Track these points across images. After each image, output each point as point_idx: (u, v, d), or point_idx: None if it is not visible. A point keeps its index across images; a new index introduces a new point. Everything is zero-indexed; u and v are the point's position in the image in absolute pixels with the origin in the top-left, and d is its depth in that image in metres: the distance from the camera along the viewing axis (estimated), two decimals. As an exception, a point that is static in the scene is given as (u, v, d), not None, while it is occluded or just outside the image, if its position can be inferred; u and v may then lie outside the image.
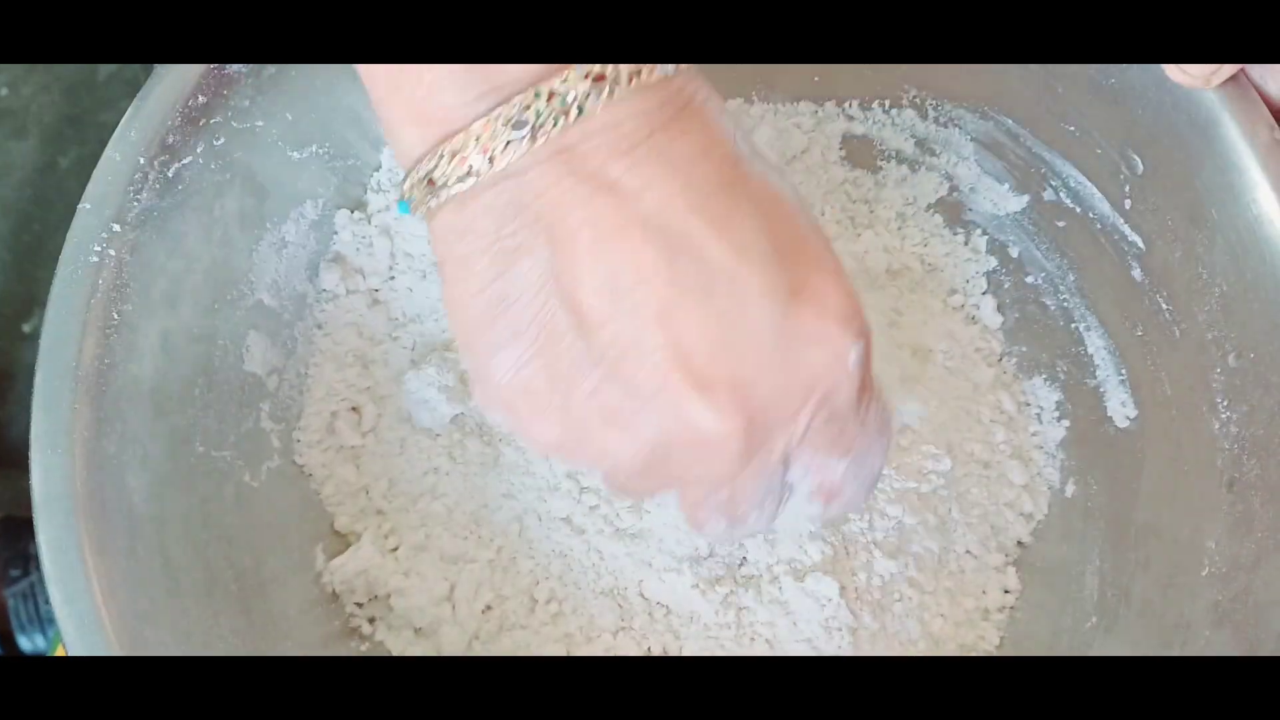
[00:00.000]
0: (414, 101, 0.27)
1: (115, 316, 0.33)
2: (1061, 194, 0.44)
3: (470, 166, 0.27)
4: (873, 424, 0.31)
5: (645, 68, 0.27)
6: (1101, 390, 0.44)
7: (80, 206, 0.34)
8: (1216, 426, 0.39)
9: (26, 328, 1.19)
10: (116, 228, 0.34)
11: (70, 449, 0.31)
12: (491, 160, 0.26)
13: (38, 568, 0.87)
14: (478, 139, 0.27)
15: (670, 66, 0.27)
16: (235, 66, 0.36)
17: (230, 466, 0.38)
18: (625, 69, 0.27)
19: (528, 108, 0.26)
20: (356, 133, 0.42)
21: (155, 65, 0.58)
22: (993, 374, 0.46)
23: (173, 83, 0.35)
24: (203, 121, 0.36)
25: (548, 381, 0.28)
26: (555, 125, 0.26)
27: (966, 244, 0.47)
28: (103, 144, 1.07)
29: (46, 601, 0.85)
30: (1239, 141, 0.37)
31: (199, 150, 0.36)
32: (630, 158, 0.27)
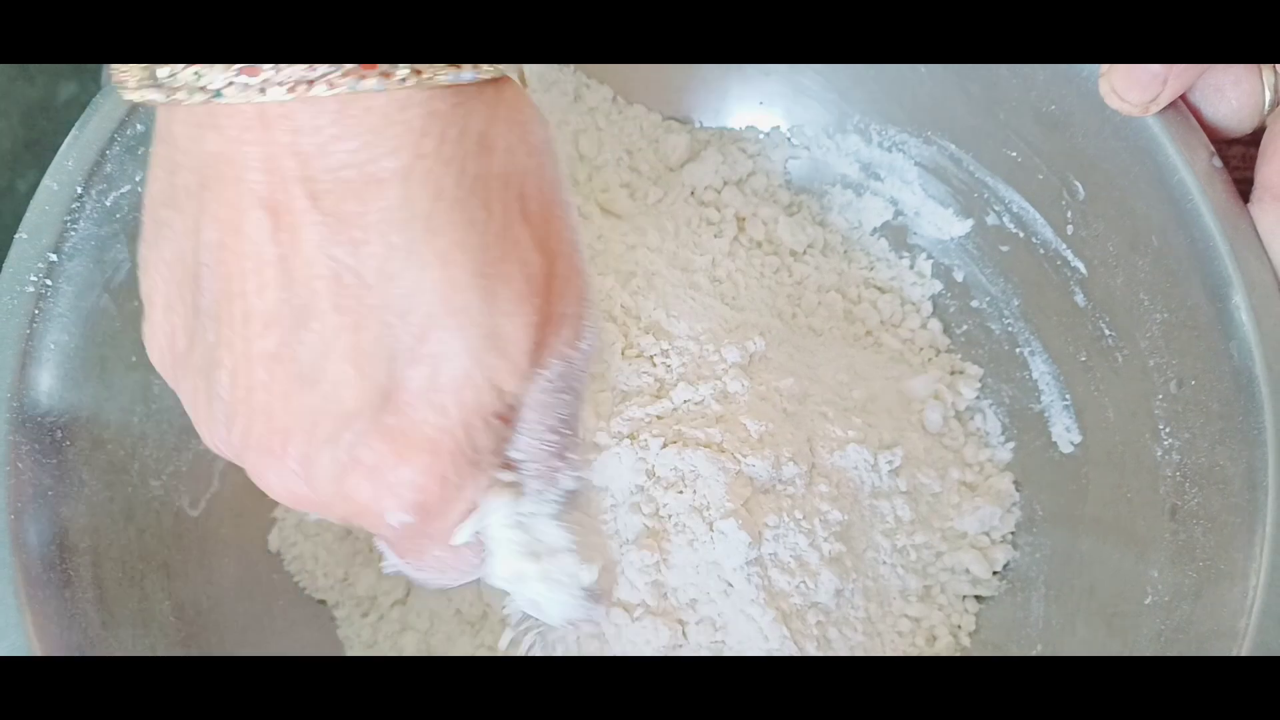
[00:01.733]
0: None
1: (52, 346, 0.33)
2: (1005, 219, 0.44)
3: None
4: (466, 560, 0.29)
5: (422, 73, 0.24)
6: (1046, 415, 0.44)
7: (17, 236, 0.33)
8: (1159, 454, 0.39)
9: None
10: (53, 257, 0.33)
11: (4, 482, 0.31)
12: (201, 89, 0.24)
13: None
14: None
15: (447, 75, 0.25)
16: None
17: (169, 496, 0.37)
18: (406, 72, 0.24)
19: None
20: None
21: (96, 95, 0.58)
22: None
23: (109, 111, 0.35)
24: (141, 150, 0.35)
25: (176, 315, 0.27)
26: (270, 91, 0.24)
27: (912, 268, 0.47)
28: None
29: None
30: (1179, 168, 0.37)
31: (137, 179, 0.36)
32: (320, 175, 0.24)
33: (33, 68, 1.35)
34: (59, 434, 0.33)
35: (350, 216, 0.24)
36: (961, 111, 0.43)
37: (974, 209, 0.45)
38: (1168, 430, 0.39)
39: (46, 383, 0.33)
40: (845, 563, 0.40)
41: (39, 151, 1.35)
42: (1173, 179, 0.37)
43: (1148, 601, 0.37)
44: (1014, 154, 0.42)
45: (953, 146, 0.44)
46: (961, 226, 0.46)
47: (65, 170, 0.34)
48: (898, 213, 0.47)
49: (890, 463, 0.42)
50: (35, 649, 0.30)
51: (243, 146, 0.24)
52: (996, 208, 0.44)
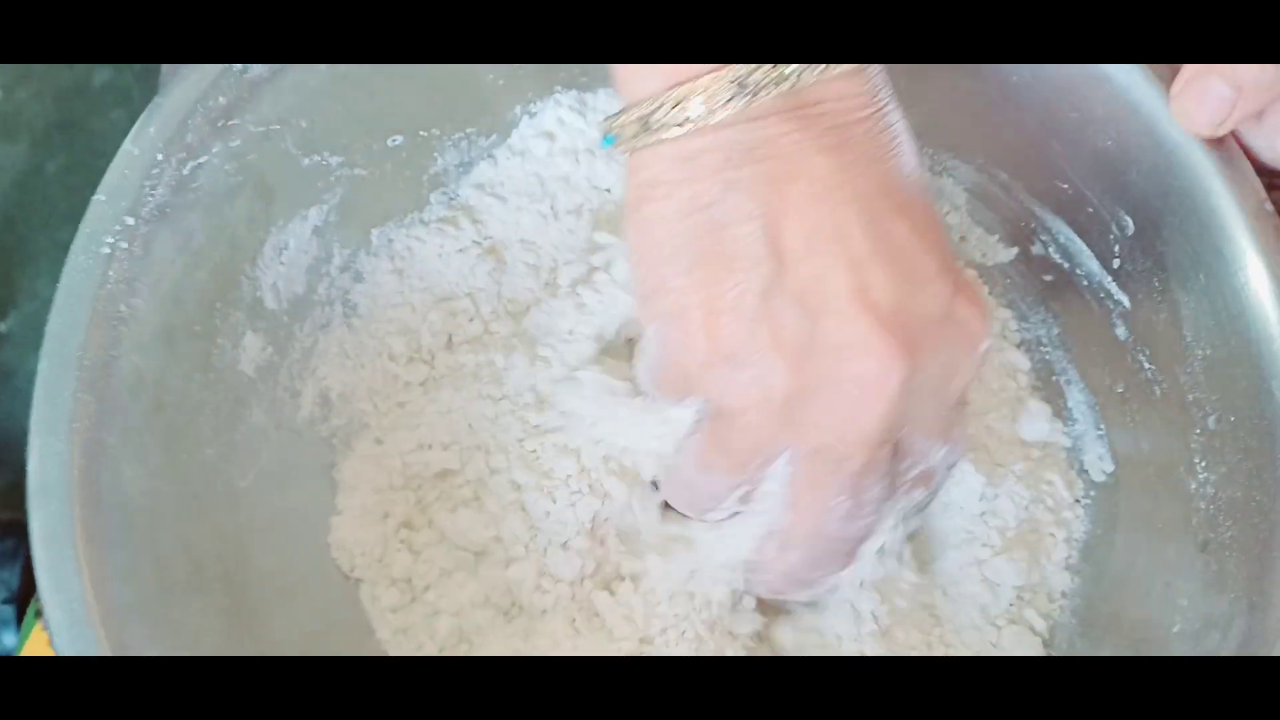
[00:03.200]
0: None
1: (123, 309, 0.34)
2: (1050, 249, 0.45)
3: (688, 116, 0.31)
4: (961, 415, 0.36)
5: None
6: (1080, 444, 0.45)
7: (95, 198, 0.34)
8: (1193, 486, 0.40)
9: (3, 327, 1.18)
10: (130, 220, 0.34)
11: (69, 437, 0.31)
12: (712, 112, 0.31)
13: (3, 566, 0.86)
14: (704, 91, 0.31)
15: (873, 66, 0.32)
16: (257, 69, 0.37)
17: (221, 465, 0.38)
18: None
19: (751, 73, 0.31)
20: (365, 142, 0.42)
21: (166, 67, 0.58)
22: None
23: (195, 82, 0.36)
24: (221, 123, 0.36)
25: (730, 298, 0.32)
26: (774, 89, 0.31)
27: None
28: (92, 151, 1.07)
29: (4, 600, 0.84)
30: (1229, 209, 0.38)
31: (215, 151, 0.36)
32: (847, 132, 0.31)
33: (69, 48, 1.35)
34: (124, 396, 0.34)
35: (876, 143, 0.32)
36: (1016, 141, 0.44)
37: (1020, 237, 0.46)
38: (1203, 464, 0.39)
39: (114, 344, 0.34)
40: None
41: (71, 134, 1.36)
42: (1222, 221, 0.38)
43: (1176, 630, 0.38)
44: (1065, 186, 0.43)
45: (1004, 175, 0.45)
46: (1006, 254, 0.47)
47: (147, 136, 0.35)
48: (944, 235, 0.48)
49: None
50: (92, 606, 0.30)
51: (790, 122, 0.31)
52: (1043, 237, 0.45)
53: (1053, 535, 0.44)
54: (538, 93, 0.45)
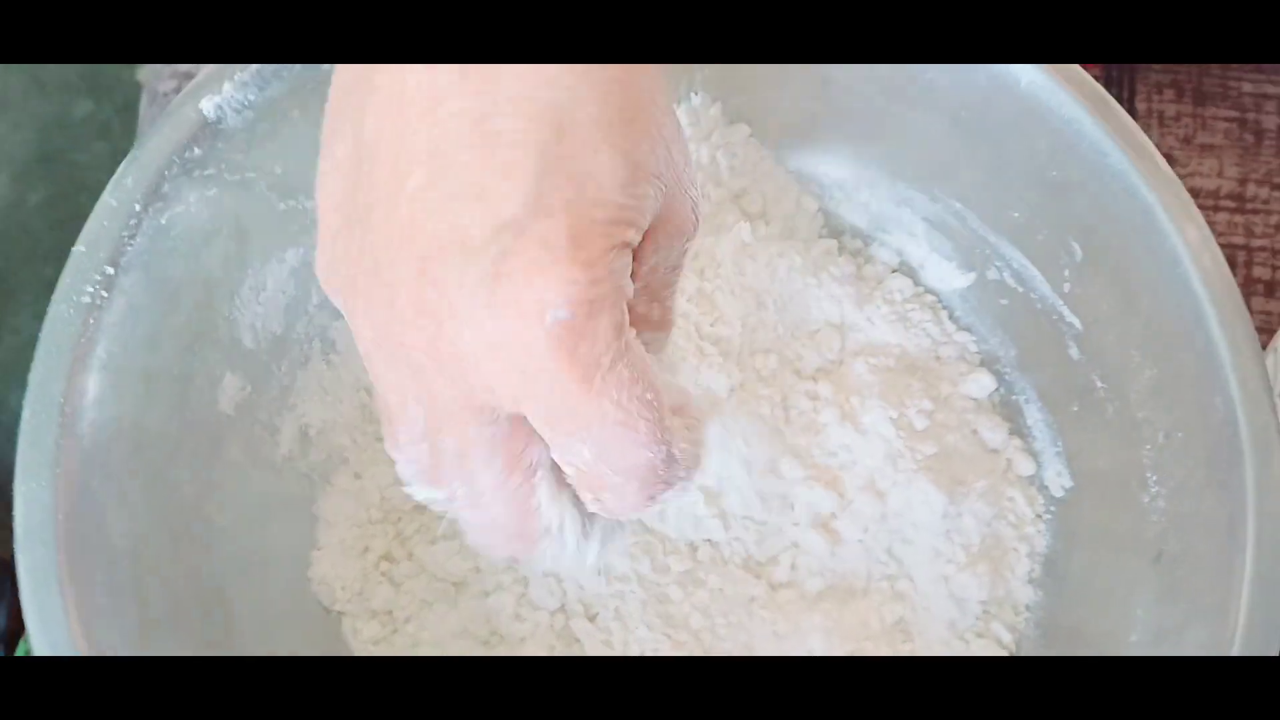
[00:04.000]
0: None
1: (102, 355, 0.35)
2: (1005, 274, 0.46)
3: None
4: (613, 411, 0.27)
5: None
6: (1040, 460, 0.46)
7: (75, 249, 0.35)
8: (1146, 500, 0.41)
9: (-15, 360, 1.18)
10: (109, 270, 0.35)
11: (53, 482, 0.33)
12: None
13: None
14: None
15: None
16: (230, 120, 0.38)
17: (200, 503, 0.39)
18: None
19: None
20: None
21: (141, 114, 0.59)
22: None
23: (169, 134, 0.37)
24: (197, 173, 0.37)
25: (334, 204, 0.29)
26: None
27: (915, 315, 0.49)
28: (73, 183, 1.08)
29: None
30: (1171, 233, 0.39)
31: (191, 200, 0.38)
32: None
33: (50, 85, 1.37)
34: (105, 440, 0.35)
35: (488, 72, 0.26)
36: (969, 172, 0.45)
37: (976, 263, 0.47)
38: (1155, 478, 0.41)
39: (95, 390, 0.35)
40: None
41: (52, 166, 1.37)
42: (1165, 245, 0.39)
43: (1133, 639, 0.39)
44: (1016, 214, 0.44)
45: (958, 205, 0.47)
46: (964, 279, 0.48)
47: (124, 188, 0.36)
48: (903, 263, 0.49)
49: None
50: (78, 645, 0.31)
51: None
52: (998, 263, 0.46)
53: (1015, 550, 0.46)
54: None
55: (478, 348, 0.26)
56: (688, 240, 0.30)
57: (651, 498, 0.30)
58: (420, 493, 0.31)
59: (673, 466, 0.29)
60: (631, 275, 0.28)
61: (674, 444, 0.29)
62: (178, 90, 0.55)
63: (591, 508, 0.30)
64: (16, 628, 0.85)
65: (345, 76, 0.29)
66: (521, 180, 0.26)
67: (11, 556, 0.87)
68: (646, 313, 0.31)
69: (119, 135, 1.26)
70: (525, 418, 0.28)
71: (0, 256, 1.20)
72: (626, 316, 0.28)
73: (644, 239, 0.29)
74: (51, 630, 0.31)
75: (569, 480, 0.30)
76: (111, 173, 0.37)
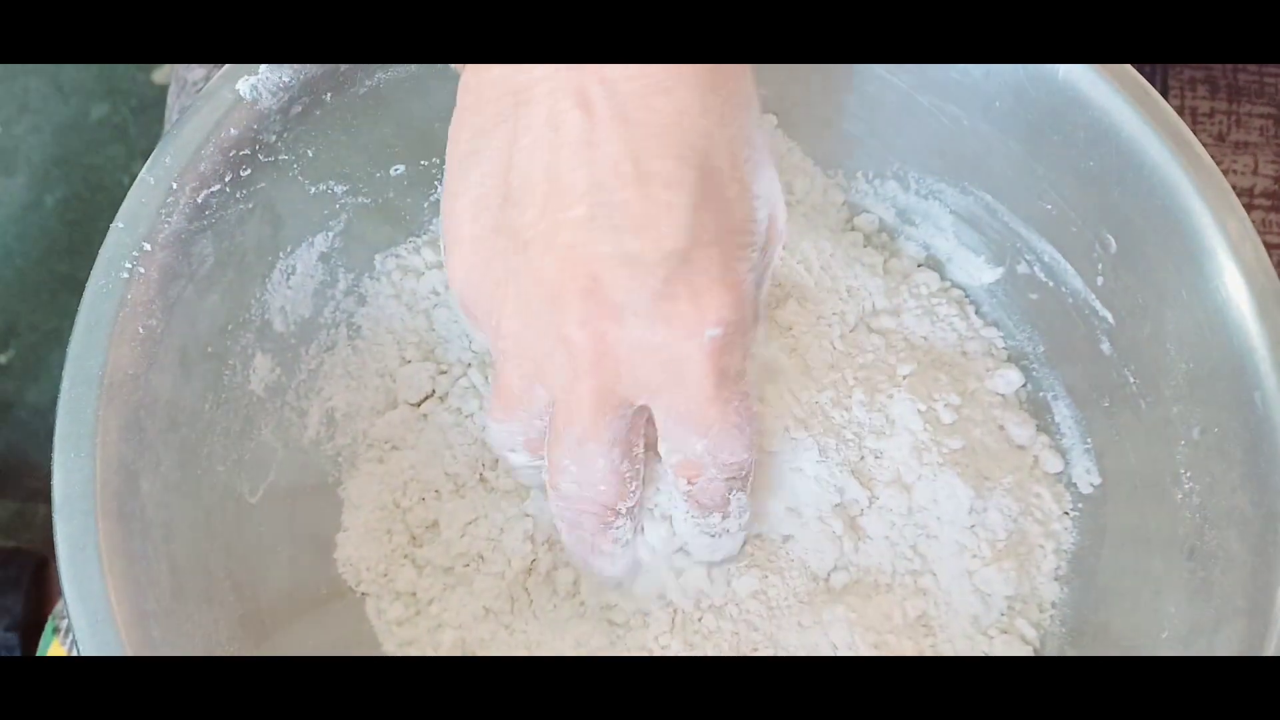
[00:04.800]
0: None
1: (140, 330, 0.35)
2: (1035, 268, 0.46)
3: None
4: (734, 417, 0.34)
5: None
6: (1068, 457, 0.46)
7: (114, 225, 0.35)
8: (1179, 497, 0.40)
9: (3, 359, 1.20)
10: (147, 246, 0.35)
11: (92, 452, 0.33)
12: None
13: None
14: None
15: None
16: (266, 101, 0.38)
17: (231, 481, 0.39)
18: None
19: None
20: (368, 171, 0.44)
21: (170, 103, 0.60)
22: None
23: (208, 114, 0.37)
24: (233, 153, 0.37)
25: (481, 231, 0.32)
26: None
27: (942, 311, 0.49)
28: (89, 185, 1.09)
29: (7, 628, 0.85)
30: (1210, 227, 0.39)
31: (227, 179, 0.38)
32: (612, 88, 0.30)
33: (68, 88, 1.38)
34: (141, 413, 0.35)
35: (649, 105, 0.30)
36: (1001, 165, 0.45)
37: (1005, 257, 0.47)
38: (1188, 475, 0.40)
39: (133, 364, 0.35)
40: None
41: (69, 168, 1.37)
42: (1203, 238, 0.39)
43: (1164, 635, 0.39)
44: (1049, 207, 0.44)
45: (989, 197, 0.46)
46: (992, 274, 0.48)
47: (163, 165, 0.36)
48: (930, 257, 0.49)
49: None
50: (115, 612, 0.31)
51: (556, 71, 0.30)
52: (1028, 257, 0.46)
53: (1042, 547, 0.45)
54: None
55: (636, 352, 0.31)
56: (778, 248, 0.35)
57: (732, 493, 0.36)
58: (515, 457, 0.37)
59: (750, 476, 0.36)
60: None
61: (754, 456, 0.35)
62: (207, 79, 0.56)
63: (679, 490, 0.36)
64: (38, 619, 0.85)
65: (480, 117, 0.32)
66: (681, 216, 0.30)
67: (29, 547, 0.87)
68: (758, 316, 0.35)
69: (135, 137, 1.26)
70: (643, 416, 0.34)
71: (18, 255, 1.21)
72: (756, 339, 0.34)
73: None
74: (88, 597, 0.31)
75: (668, 466, 0.35)
76: (127, 173, 0.38)
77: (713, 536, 0.39)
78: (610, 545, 0.38)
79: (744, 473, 0.36)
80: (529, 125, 0.30)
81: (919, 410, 0.45)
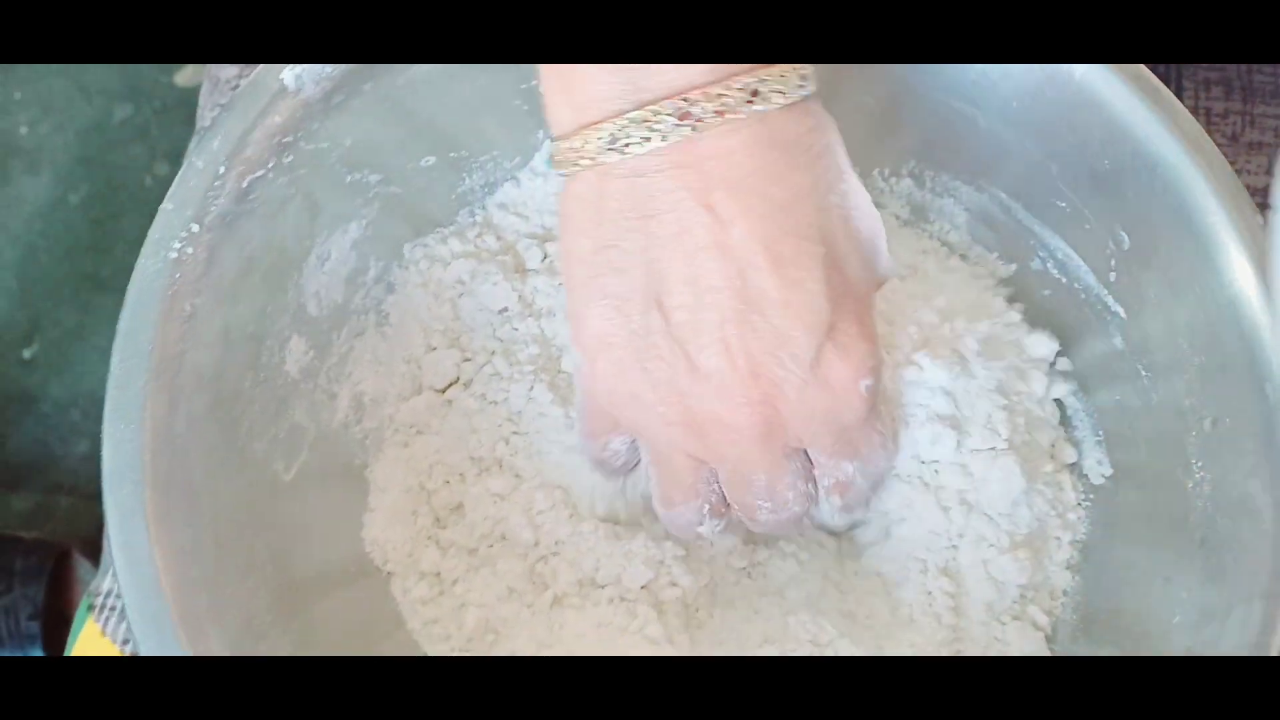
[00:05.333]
0: (570, 87, 0.34)
1: (187, 308, 0.36)
2: (1049, 264, 0.47)
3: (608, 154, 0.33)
4: (878, 436, 0.39)
5: (759, 100, 0.33)
6: (1080, 449, 0.47)
7: (162, 207, 0.37)
8: (1190, 486, 0.41)
9: (27, 354, 1.21)
10: (195, 227, 0.37)
11: (141, 423, 0.34)
12: (622, 152, 0.33)
13: (20, 584, 0.89)
14: (612, 133, 0.33)
15: (783, 98, 0.33)
16: (309, 90, 0.39)
17: (268, 458, 0.40)
18: (742, 100, 0.33)
19: (658, 114, 0.33)
20: (401, 162, 0.45)
21: (201, 101, 0.61)
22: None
23: (253, 101, 0.38)
24: (277, 140, 0.39)
25: (625, 336, 0.35)
26: (671, 138, 0.33)
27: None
28: (111, 184, 1.11)
29: (29, 617, 0.86)
30: (1222, 225, 0.40)
31: (270, 165, 0.39)
32: (732, 188, 0.33)
33: (91, 89, 1.40)
34: (188, 388, 0.36)
35: (767, 195, 0.33)
36: (1016, 164, 0.46)
37: (1019, 254, 0.48)
38: (1200, 465, 0.41)
39: (180, 341, 0.36)
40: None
41: (92, 168, 1.39)
42: (1216, 236, 0.40)
43: (1176, 620, 0.40)
44: (1063, 204, 0.45)
45: (1004, 195, 0.47)
46: (1005, 270, 0.49)
47: (210, 150, 0.37)
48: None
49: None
50: (163, 581, 0.32)
51: (676, 179, 0.33)
52: (1041, 254, 0.47)
53: (1058, 538, 0.46)
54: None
55: (798, 416, 0.35)
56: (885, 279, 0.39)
57: (869, 499, 0.42)
58: (705, 529, 0.40)
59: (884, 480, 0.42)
60: None
61: None
62: (240, 77, 0.57)
63: (828, 506, 0.40)
64: (60, 609, 0.86)
65: (604, 229, 0.34)
66: (817, 290, 0.34)
67: (52, 539, 0.88)
68: None
69: (156, 138, 1.28)
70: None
71: (43, 252, 1.22)
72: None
73: None
74: (137, 565, 0.32)
75: (821, 488, 0.40)
76: (149, 174, 0.39)
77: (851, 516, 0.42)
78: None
79: (884, 476, 0.41)
80: (659, 235, 0.33)
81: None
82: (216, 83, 0.60)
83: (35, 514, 0.97)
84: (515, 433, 0.46)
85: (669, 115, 0.32)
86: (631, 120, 0.33)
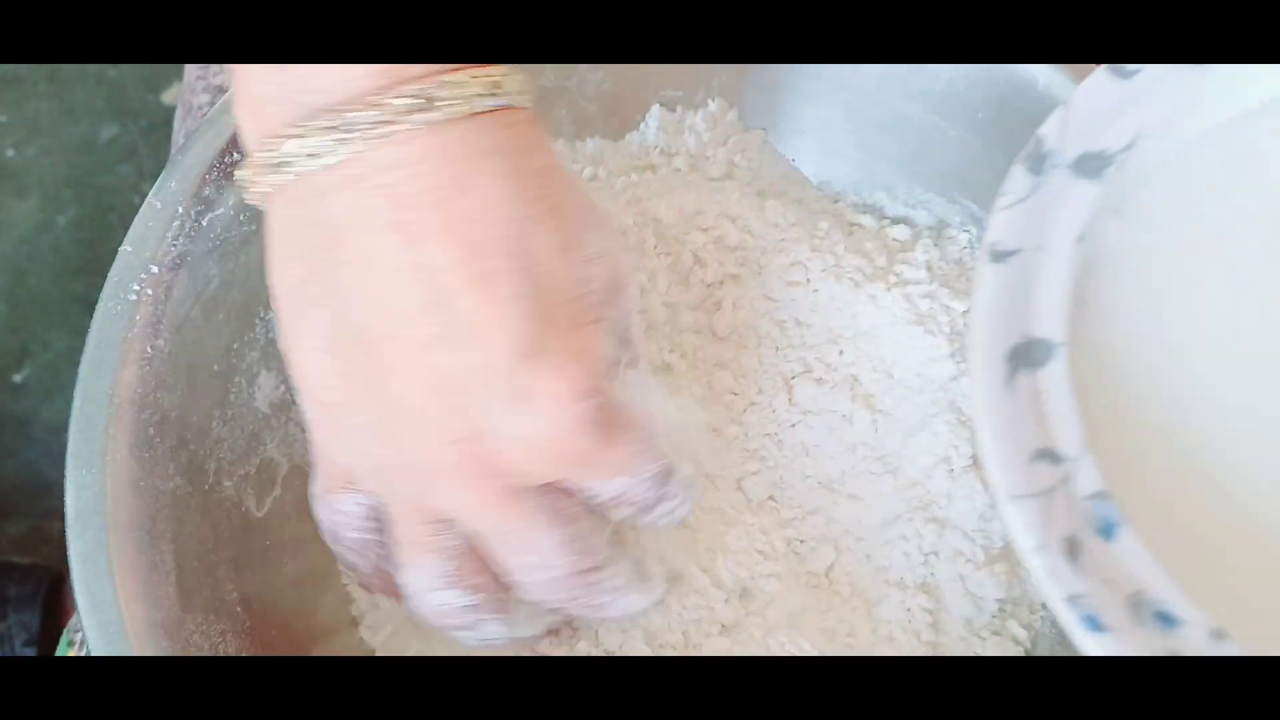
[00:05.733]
0: (251, 99, 0.31)
1: (149, 350, 0.36)
2: (1022, 275, 0.47)
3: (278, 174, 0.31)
4: (625, 451, 0.33)
5: (435, 108, 0.30)
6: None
7: (121, 249, 0.37)
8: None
9: (17, 379, 1.22)
10: (154, 269, 0.37)
11: (102, 469, 0.34)
12: (287, 174, 0.30)
13: (14, 611, 0.89)
14: (281, 152, 0.30)
15: (462, 106, 0.30)
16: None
17: (238, 496, 0.40)
18: (408, 110, 0.29)
19: (327, 128, 0.29)
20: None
21: (176, 127, 0.61)
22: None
23: (210, 139, 0.39)
24: (236, 177, 0.39)
25: (338, 379, 0.32)
26: (340, 154, 0.29)
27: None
28: (100, 205, 1.11)
29: (25, 643, 0.86)
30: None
31: (230, 202, 0.39)
32: (417, 204, 0.30)
33: (78, 110, 1.40)
34: (150, 430, 0.36)
35: (456, 209, 0.30)
36: (985, 174, 0.46)
37: (992, 265, 0.48)
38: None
39: (141, 384, 0.36)
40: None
41: (80, 188, 1.39)
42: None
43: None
44: (1033, 214, 0.45)
45: (975, 207, 0.48)
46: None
47: (169, 190, 0.37)
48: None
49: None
50: (125, 624, 0.32)
51: (356, 197, 0.30)
52: (1013, 264, 0.47)
53: (1034, 550, 0.46)
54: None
55: (517, 446, 0.32)
56: (630, 292, 0.36)
57: (668, 495, 0.36)
58: (451, 597, 0.35)
59: (671, 472, 0.36)
60: None
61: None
62: (211, 103, 0.57)
63: (624, 514, 0.36)
64: (55, 634, 0.86)
65: (298, 264, 0.32)
66: (522, 306, 0.31)
67: (46, 564, 0.88)
68: (619, 357, 0.36)
69: (144, 157, 1.28)
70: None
71: (32, 276, 1.23)
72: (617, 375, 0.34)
73: None
74: (101, 609, 0.33)
75: (608, 501, 0.35)
76: (137, 193, 0.39)
77: (669, 515, 0.37)
78: (608, 595, 0.37)
79: (666, 474, 0.35)
80: (349, 262, 0.30)
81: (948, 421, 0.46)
82: (189, 109, 0.60)
83: (28, 539, 0.98)
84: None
85: (332, 128, 0.29)
86: (298, 134, 0.30)
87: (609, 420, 0.33)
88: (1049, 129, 0.31)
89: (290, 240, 0.31)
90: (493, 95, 0.30)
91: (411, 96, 0.29)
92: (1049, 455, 0.29)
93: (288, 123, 0.30)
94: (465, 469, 0.32)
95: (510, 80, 0.31)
